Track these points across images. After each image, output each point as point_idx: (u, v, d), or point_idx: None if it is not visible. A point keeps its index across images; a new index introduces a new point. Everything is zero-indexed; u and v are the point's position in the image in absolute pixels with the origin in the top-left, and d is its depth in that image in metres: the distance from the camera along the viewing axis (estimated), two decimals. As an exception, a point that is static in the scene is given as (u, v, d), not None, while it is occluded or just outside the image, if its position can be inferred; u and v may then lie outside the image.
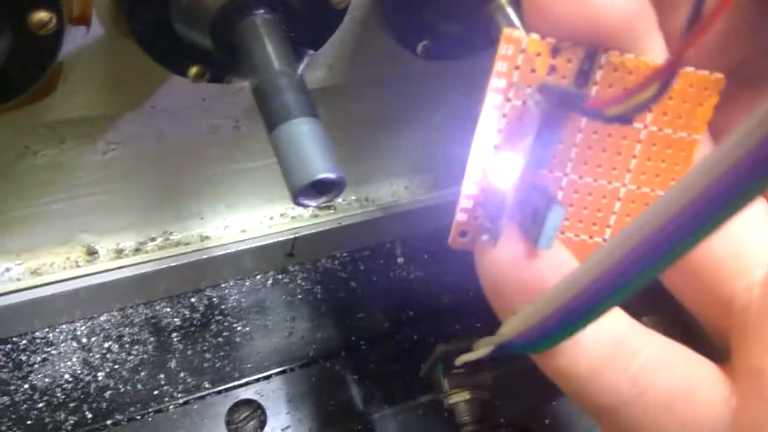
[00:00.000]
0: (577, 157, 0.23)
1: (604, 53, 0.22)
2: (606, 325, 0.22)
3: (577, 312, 0.20)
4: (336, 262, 0.57)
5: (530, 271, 0.21)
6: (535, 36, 0.22)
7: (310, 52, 0.33)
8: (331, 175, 0.25)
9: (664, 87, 0.18)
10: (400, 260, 0.59)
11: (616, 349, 0.22)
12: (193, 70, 0.33)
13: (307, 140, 0.25)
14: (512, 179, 0.21)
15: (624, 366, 0.21)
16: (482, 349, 0.25)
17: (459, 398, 0.41)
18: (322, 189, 0.26)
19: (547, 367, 0.23)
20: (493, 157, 0.22)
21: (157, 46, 0.32)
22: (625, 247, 0.17)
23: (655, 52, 0.22)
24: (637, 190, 0.24)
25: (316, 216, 0.56)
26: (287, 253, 0.55)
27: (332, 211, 0.57)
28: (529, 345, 0.22)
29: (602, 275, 0.18)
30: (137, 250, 0.50)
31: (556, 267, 0.21)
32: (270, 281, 0.55)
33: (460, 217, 0.24)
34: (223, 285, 0.53)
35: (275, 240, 0.53)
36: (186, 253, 0.50)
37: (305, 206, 0.26)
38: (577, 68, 0.22)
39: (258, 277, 0.55)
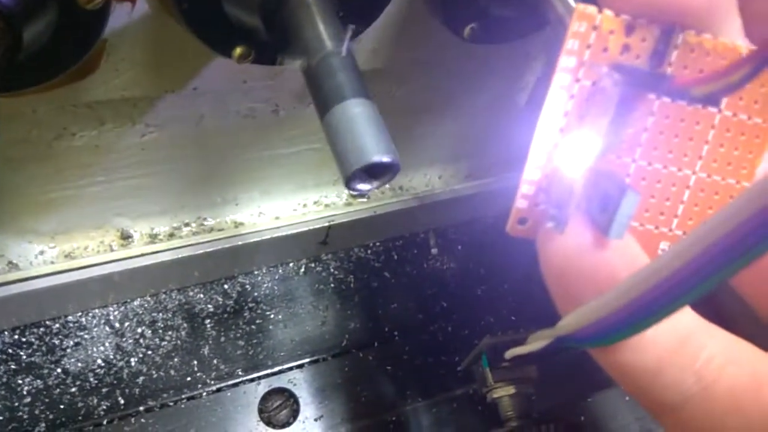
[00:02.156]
0: (647, 142, 0.22)
1: (680, 33, 0.21)
2: (671, 319, 0.21)
3: (650, 307, 0.19)
4: (369, 251, 0.57)
5: (599, 261, 0.20)
6: (609, 12, 0.20)
7: (358, 32, 0.32)
8: (386, 159, 0.24)
9: (758, 69, 0.17)
10: (434, 251, 0.58)
11: (682, 344, 0.21)
12: (238, 51, 0.32)
13: (362, 122, 0.24)
14: (583, 164, 0.20)
15: (689, 361, 0.20)
16: (537, 343, 0.24)
17: (503, 392, 0.40)
18: (375, 173, 0.25)
19: (608, 362, 0.22)
20: (560, 141, 0.21)
21: (202, 25, 0.31)
22: (705, 243, 0.16)
23: (733, 33, 0.21)
24: (707, 179, 0.23)
25: (349, 204, 0.55)
26: (320, 242, 0.54)
27: (366, 200, 0.56)
28: (594, 339, 0.21)
29: (680, 271, 0.17)
30: (171, 236, 0.50)
31: (625, 258, 0.20)
32: (303, 269, 0.54)
33: (519, 203, 0.23)
34: (256, 272, 0.53)
35: (309, 228, 0.52)
36: (220, 239, 0.50)
37: (357, 191, 0.25)
38: (651, 47, 0.21)
39: (291, 264, 0.54)
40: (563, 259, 0.21)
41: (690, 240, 0.17)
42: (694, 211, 0.23)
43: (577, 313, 0.21)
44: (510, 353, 0.28)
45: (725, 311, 0.48)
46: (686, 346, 0.21)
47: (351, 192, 0.55)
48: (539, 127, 0.22)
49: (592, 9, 0.20)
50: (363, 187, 0.25)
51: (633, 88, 0.20)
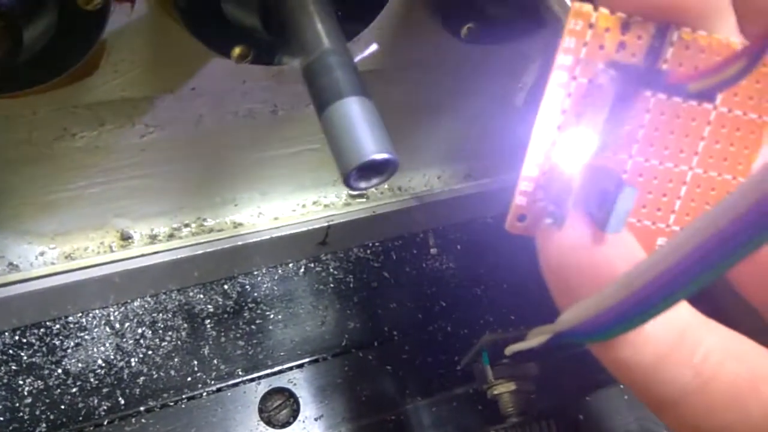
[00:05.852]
0: (643, 139, 0.22)
1: (675, 30, 0.21)
2: (670, 314, 0.21)
3: (648, 301, 0.19)
4: (368, 251, 0.57)
5: (598, 256, 0.20)
6: (604, 10, 0.21)
7: (356, 31, 0.32)
8: (384, 156, 0.24)
9: (752, 64, 0.17)
10: (433, 251, 0.58)
11: (680, 338, 0.21)
12: (237, 51, 0.32)
13: (359, 120, 0.24)
14: (581, 161, 0.20)
15: (688, 355, 0.21)
16: (537, 338, 0.24)
17: (504, 389, 0.40)
18: (374, 171, 0.25)
19: (607, 357, 0.22)
20: (557, 138, 0.22)
21: (202, 25, 0.31)
22: (702, 235, 0.16)
23: (728, 30, 0.21)
24: (703, 174, 0.23)
25: (348, 204, 0.56)
26: (320, 242, 0.54)
27: (365, 200, 0.56)
28: (593, 334, 0.21)
29: (678, 264, 0.17)
30: (171, 236, 0.50)
31: (623, 252, 0.21)
32: (302, 269, 0.54)
33: (518, 200, 0.23)
34: (255, 272, 0.53)
35: (308, 228, 0.52)
36: (219, 239, 0.50)
37: (356, 189, 0.25)
38: (647, 45, 0.21)
39: (290, 265, 0.54)
40: (562, 255, 0.21)
41: (687, 233, 0.17)
42: (691, 206, 0.24)
43: (575, 308, 0.21)
44: (509, 349, 0.28)
45: (724, 307, 0.48)
46: (684, 342, 0.21)
47: (350, 190, 0.55)
48: (537, 124, 0.22)
49: (588, 7, 0.21)
50: (362, 184, 0.25)
51: (629, 85, 0.20)
